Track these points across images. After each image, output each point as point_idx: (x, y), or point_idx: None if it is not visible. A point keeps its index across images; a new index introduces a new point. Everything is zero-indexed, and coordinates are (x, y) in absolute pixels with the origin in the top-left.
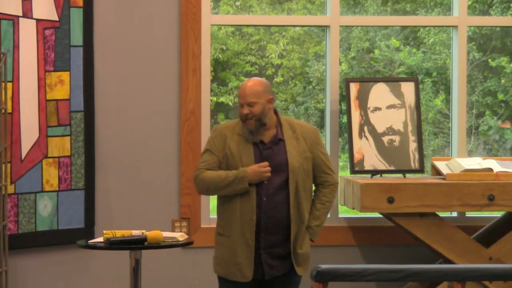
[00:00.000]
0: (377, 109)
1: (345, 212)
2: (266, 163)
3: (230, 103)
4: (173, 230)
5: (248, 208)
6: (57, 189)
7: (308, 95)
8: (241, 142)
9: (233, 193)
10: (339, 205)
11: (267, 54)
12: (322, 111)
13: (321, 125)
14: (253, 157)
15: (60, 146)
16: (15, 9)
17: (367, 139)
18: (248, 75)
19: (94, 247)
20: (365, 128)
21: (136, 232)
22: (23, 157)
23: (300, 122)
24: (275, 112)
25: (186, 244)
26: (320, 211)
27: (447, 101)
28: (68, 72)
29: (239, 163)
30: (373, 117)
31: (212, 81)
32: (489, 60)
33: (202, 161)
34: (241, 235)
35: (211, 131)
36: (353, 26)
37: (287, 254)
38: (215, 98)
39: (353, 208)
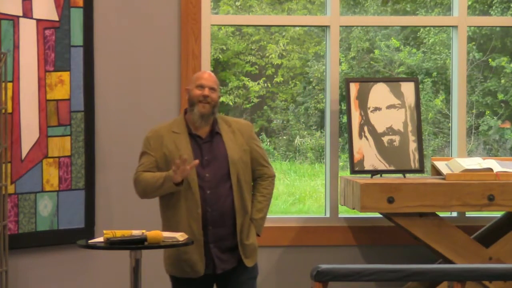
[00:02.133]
0: (377, 109)
1: (345, 212)
2: (184, 158)
3: (230, 103)
4: None
5: (192, 202)
6: (57, 189)
7: (308, 95)
8: (178, 139)
9: (167, 192)
10: (339, 205)
11: (267, 54)
12: (322, 111)
13: (321, 125)
14: (191, 152)
15: (60, 146)
16: (15, 9)
17: (367, 139)
18: (248, 75)
19: (94, 247)
20: (365, 128)
21: (136, 232)
22: (23, 157)
23: (233, 118)
24: None
25: (186, 244)
26: (262, 204)
27: (447, 101)
28: (68, 72)
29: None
30: (373, 117)
31: None
32: (489, 60)
33: (139, 164)
34: (189, 230)
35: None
36: (353, 26)
37: (235, 247)
38: None
39: (353, 208)
